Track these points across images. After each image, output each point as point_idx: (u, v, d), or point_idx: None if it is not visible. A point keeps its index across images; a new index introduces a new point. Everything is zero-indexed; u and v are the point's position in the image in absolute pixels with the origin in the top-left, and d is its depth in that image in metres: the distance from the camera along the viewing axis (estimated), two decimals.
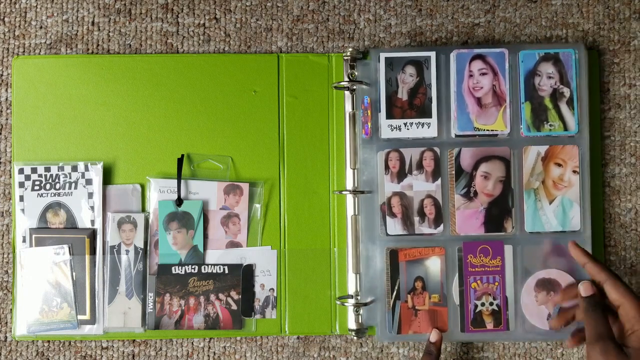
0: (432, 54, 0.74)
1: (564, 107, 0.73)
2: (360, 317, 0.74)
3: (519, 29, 0.79)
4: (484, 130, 0.74)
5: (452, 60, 0.74)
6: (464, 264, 0.73)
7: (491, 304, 0.73)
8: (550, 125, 0.73)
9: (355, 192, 0.74)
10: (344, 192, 0.74)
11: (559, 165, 0.73)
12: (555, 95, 0.73)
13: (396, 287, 0.73)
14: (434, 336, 0.72)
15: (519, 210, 0.73)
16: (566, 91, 0.73)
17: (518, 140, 0.74)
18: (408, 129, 0.74)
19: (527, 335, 0.73)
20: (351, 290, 0.75)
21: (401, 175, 0.74)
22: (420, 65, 0.74)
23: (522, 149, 0.73)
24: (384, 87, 0.74)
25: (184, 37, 0.78)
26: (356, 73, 0.75)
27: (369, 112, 0.74)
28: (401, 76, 0.74)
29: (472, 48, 0.74)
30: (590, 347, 0.61)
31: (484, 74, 0.74)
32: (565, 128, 0.73)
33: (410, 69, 0.74)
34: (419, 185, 0.74)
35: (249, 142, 0.77)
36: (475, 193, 0.73)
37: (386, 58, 0.74)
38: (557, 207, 0.73)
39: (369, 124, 0.74)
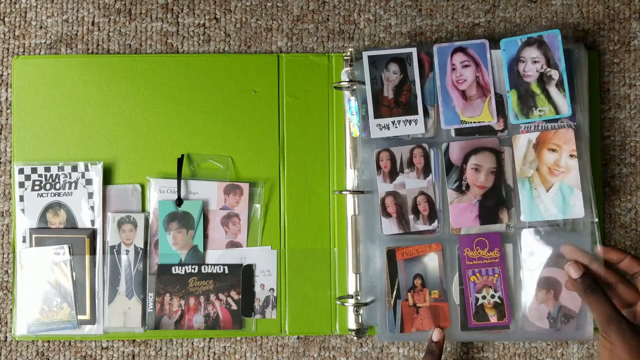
0: (413, 50, 0.74)
1: (553, 90, 0.72)
2: (360, 317, 0.74)
3: (519, 29, 0.79)
4: (471, 122, 0.73)
5: (434, 55, 0.73)
6: (461, 257, 0.73)
7: (492, 296, 0.72)
8: (540, 111, 0.72)
9: (355, 192, 0.74)
10: (344, 192, 0.74)
11: (553, 150, 0.72)
12: (543, 79, 0.72)
13: (396, 286, 0.73)
14: (436, 335, 0.71)
15: (515, 199, 0.72)
16: (554, 73, 0.72)
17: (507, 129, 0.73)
18: (396, 127, 0.73)
19: (527, 334, 0.73)
20: (351, 290, 0.75)
21: (393, 174, 0.73)
22: (402, 62, 0.74)
23: (511, 138, 0.72)
24: (369, 86, 0.74)
25: (184, 37, 0.78)
26: (356, 73, 0.75)
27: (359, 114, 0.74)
28: (385, 74, 0.74)
29: (452, 41, 0.73)
30: (604, 329, 0.60)
31: (466, 66, 0.73)
32: (557, 112, 0.72)
33: (394, 67, 0.74)
34: (411, 183, 0.73)
35: (249, 142, 0.77)
36: (467, 186, 0.73)
37: (369, 56, 0.73)
38: (555, 195, 0.71)
39: (358, 125, 0.74)
